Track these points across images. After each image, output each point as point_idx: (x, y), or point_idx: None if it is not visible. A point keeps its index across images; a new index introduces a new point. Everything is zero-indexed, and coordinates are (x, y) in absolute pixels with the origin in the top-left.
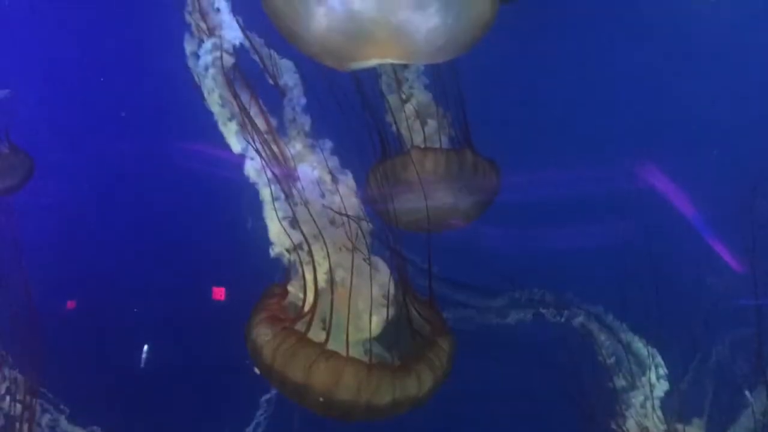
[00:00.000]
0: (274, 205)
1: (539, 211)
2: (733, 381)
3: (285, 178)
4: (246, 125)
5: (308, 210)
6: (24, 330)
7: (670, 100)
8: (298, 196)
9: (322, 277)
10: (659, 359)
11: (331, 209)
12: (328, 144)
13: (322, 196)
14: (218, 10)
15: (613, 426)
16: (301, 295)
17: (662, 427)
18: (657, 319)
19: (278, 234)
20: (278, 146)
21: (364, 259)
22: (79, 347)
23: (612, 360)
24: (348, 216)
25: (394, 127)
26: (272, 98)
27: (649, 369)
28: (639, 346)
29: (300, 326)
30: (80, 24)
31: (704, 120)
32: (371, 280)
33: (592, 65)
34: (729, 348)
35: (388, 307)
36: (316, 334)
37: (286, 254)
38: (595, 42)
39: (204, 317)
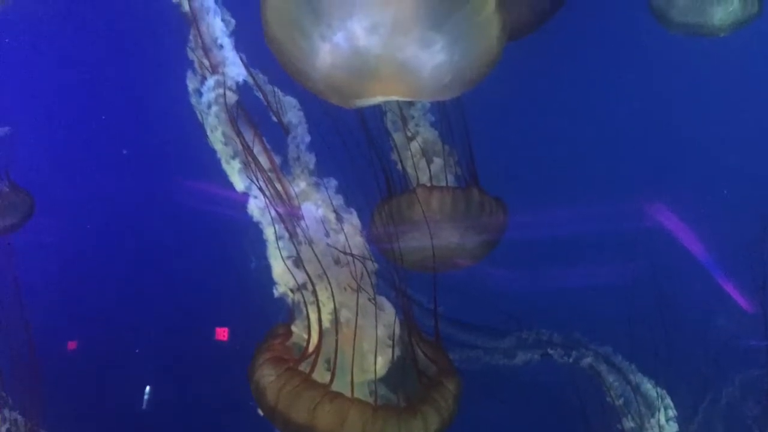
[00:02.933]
0: (277, 244)
1: (547, 250)
2: (743, 423)
3: (289, 216)
4: (249, 163)
5: (312, 249)
6: (24, 370)
7: (680, 139)
8: (302, 235)
9: (326, 317)
10: (668, 401)
11: (336, 248)
12: (333, 182)
13: (327, 235)
14: (221, 46)
15: None
16: (306, 336)
17: None
18: (666, 360)
19: (282, 274)
20: (282, 185)
21: (369, 299)
22: (80, 388)
23: (620, 401)
24: (353, 255)
25: (399, 165)
26: (276, 136)
27: (659, 411)
28: (648, 387)
29: (304, 367)
30: (82, 61)
31: (714, 159)
32: (376, 321)
33: (600, 102)
34: (739, 389)
35: (393, 348)
36: (321, 375)
37: (290, 294)
38: (604, 79)
39: (207, 358)
